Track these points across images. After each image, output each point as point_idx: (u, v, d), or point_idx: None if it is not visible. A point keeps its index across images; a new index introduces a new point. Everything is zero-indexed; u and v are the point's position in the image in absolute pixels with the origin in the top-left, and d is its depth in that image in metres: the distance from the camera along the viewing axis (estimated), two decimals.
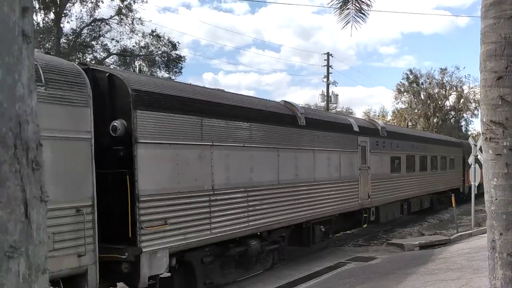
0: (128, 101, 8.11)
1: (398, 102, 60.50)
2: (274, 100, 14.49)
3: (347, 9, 10.43)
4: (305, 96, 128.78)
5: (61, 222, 6.83)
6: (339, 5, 10.48)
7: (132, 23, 32.48)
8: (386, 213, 18.49)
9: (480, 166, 16.02)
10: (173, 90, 9.62)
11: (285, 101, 13.98)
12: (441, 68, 59.30)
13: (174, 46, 34.22)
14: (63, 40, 31.24)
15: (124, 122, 8.08)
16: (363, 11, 10.47)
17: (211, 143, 9.74)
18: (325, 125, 14.44)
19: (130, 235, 7.97)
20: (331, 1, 10.57)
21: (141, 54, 34.21)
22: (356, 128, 16.32)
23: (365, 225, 17.26)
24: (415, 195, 21.84)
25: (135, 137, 8.03)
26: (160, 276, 8.70)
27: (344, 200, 15.06)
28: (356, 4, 10.34)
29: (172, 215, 8.73)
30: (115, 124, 8.03)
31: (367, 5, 10.47)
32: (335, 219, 14.89)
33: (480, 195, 18.19)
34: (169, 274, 9.16)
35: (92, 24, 32.44)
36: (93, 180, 7.29)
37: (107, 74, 8.41)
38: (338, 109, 51.64)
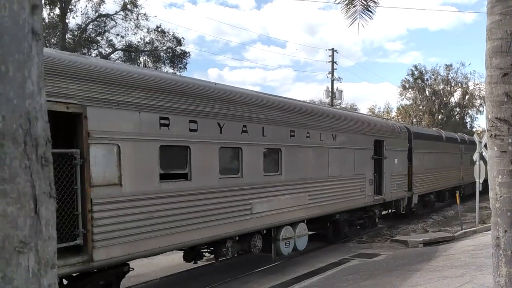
0: (411, 136, 21.44)
1: (403, 98, 60.38)
2: (432, 129, 30.75)
3: (354, 6, 10.39)
4: (310, 92, 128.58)
5: (401, 180, 20.06)
6: (346, 2, 10.45)
7: (137, 18, 32.58)
8: (468, 189, 29.88)
9: (485, 162, 16.07)
10: (419, 131, 24.46)
11: (437, 128, 31.49)
12: (446, 64, 59.26)
13: (179, 42, 34.24)
14: (68, 35, 31.31)
15: (409, 144, 21.09)
16: (370, 8, 10.43)
17: (426, 151, 23.56)
18: (449, 139, 28.06)
19: (409, 186, 21.11)
20: None
21: (146, 49, 34.23)
22: (459, 140, 29.86)
23: (461, 194, 27.93)
24: None
25: (412, 149, 21.38)
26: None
27: (453, 179, 28.36)
28: (363, 1, 10.29)
29: (419, 180, 22.32)
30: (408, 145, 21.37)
31: (374, 1, 10.44)
32: (449, 190, 27.55)
33: (485, 191, 18.25)
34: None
35: (97, 19, 32.49)
36: (407, 164, 20.89)
37: (404, 126, 22.36)
38: (343, 105, 51.52)
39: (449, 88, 59.75)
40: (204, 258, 11.89)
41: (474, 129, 58.45)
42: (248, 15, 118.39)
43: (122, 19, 32.56)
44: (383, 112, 62.63)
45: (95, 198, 7.47)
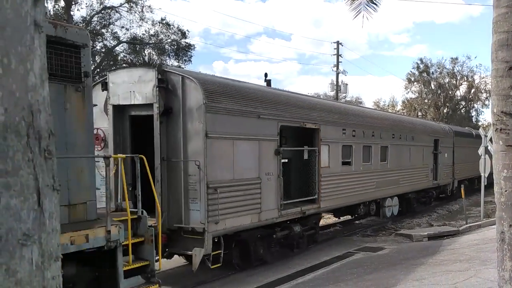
0: (453, 135, 27.64)
1: (408, 92, 59.93)
2: (461, 127, 34.88)
3: None
4: (315, 85, 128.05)
5: (448, 169, 26.71)
6: None
7: (142, 11, 32.44)
8: (489, 178, 33.18)
9: (490, 156, 16.08)
10: (459, 130, 30.63)
11: (468, 127, 35.99)
12: (452, 58, 58.71)
13: (183, 34, 34.13)
14: None
15: (453, 141, 27.44)
16: (374, 1, 10.36)
17: (463, 146, 28.66)
18: (478, 136, 29.79)
19: (452, 174, 27.41)
20: None
21: (150, 42, 34.16)
22: (480, 136, 35.03)
23: (485, 183, 33.97)
24: None
25: (454, 145, 27.53)
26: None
27: (473, 170, 29.99)
28: None
29: (459, 169, 28.11)
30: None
31: None
32: (478, 178, 28.66)
33: (490, 185, 18.23)
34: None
35: (102, 11, 32.40)
36: (452, 157, 27.45)
37: (449, 127, 28.91)
38: (348, 99, 51.37)
39: (454, 82, 59.37)
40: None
41: (480, 123, 58.18)
42: (254, 8, 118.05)
43: (127, 11, 32.46)
44: (388, 105, 62.41)
45: (322, 174, 14.00)
